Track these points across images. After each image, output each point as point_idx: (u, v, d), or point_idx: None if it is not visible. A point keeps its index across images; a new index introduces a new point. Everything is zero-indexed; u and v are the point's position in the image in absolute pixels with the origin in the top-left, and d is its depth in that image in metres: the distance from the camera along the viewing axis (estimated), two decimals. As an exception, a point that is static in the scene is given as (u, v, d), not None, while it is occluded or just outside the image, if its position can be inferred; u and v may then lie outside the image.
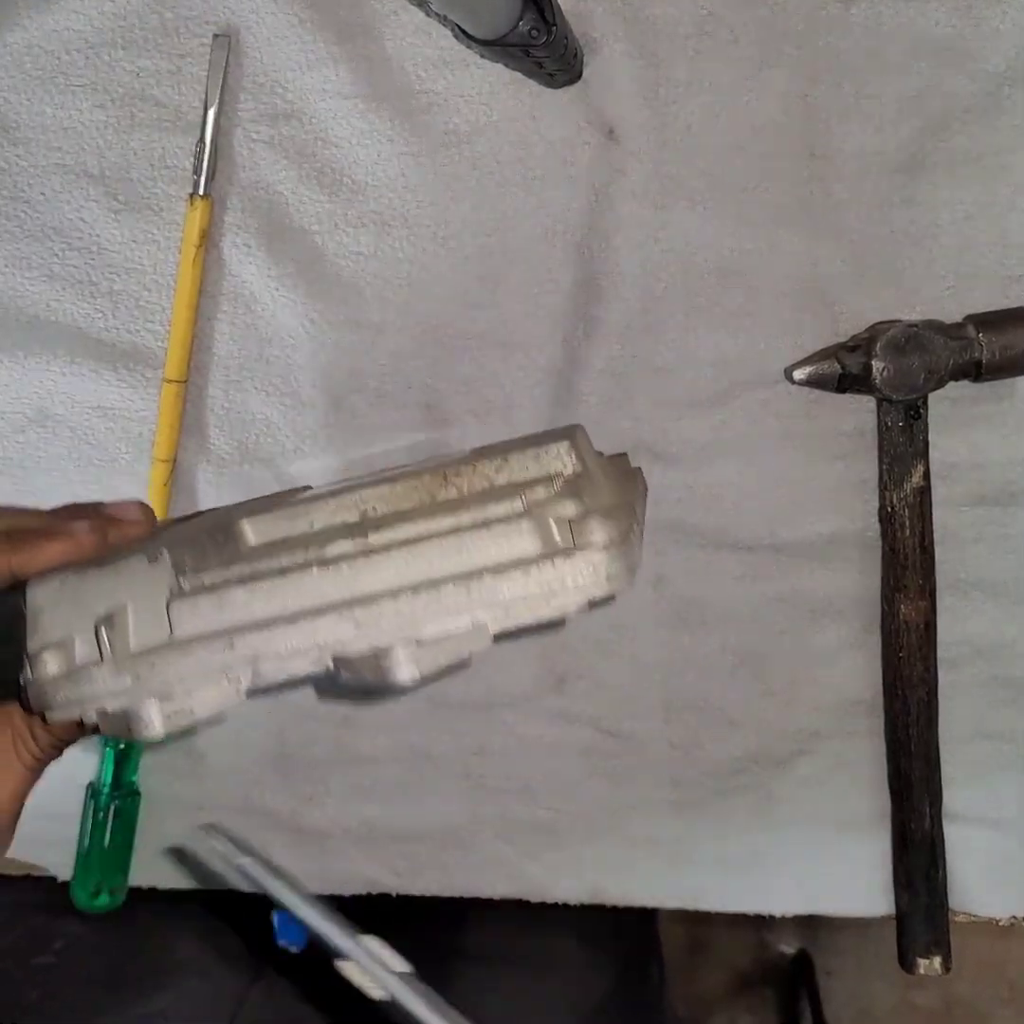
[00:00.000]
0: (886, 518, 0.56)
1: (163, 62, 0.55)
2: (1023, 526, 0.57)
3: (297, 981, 0.66)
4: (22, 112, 0.56)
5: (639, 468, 0.52)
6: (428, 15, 0.53)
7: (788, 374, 0.55)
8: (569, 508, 0.36)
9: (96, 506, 0.41)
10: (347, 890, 0.67)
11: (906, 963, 0.60)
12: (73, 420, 0.59)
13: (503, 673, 0.61)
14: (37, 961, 0.60)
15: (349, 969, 0.31)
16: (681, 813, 0.62)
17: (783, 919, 0.65)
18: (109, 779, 0.62)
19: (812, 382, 0.54)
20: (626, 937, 0.72)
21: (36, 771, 0.40)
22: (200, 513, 0.51)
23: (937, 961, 0.59)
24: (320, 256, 0.56)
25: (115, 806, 0.62)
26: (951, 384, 0.53)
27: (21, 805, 0.40)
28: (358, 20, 0.53)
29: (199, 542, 0.38)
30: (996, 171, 0.52)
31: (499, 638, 0.35)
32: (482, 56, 0.53)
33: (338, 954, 0.32)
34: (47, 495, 0.60)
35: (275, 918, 0.70)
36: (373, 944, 0.31)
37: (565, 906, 0.64)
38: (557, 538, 0.35)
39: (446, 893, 0.65)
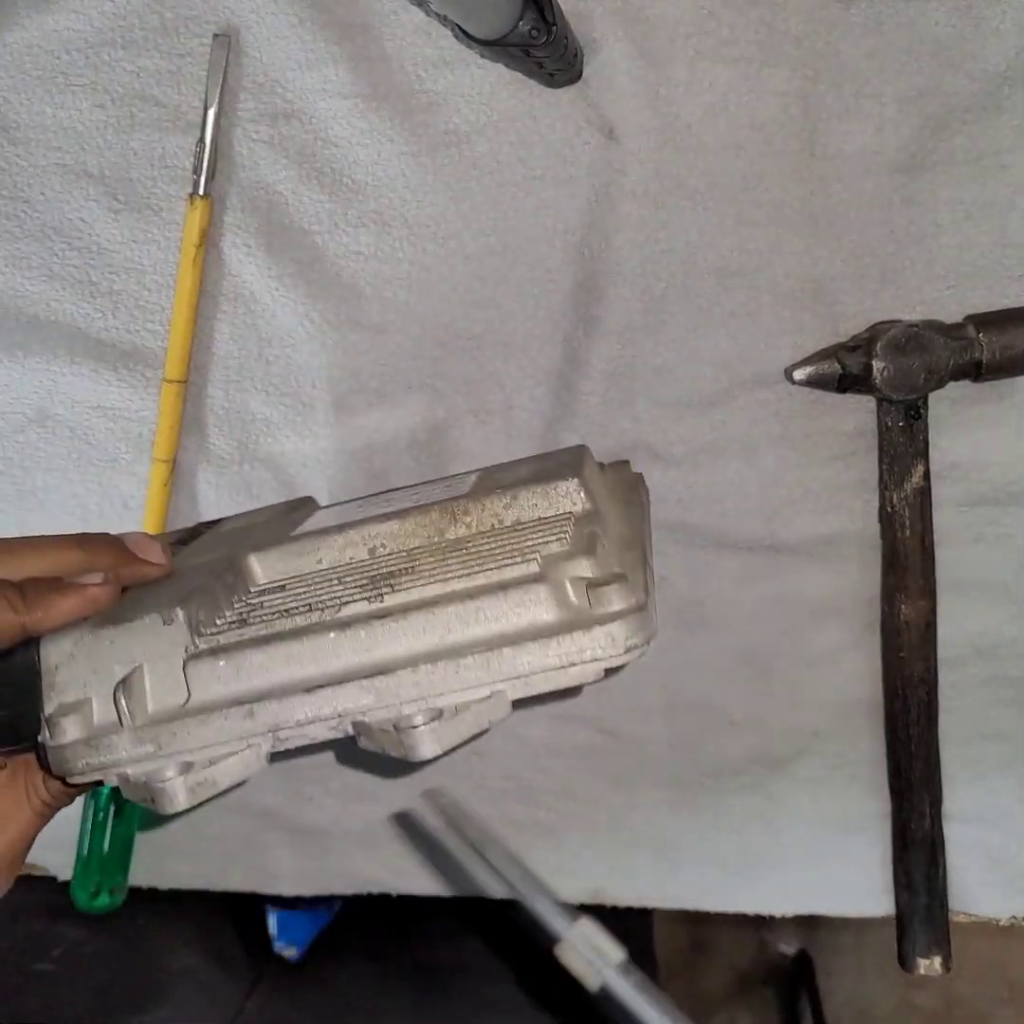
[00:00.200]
0: (886, 518, 0.56)
1: (163, 62, 0.55)
2: (1023, 526, 0.57)
3: (294, 989, 0.66)
4: (22, 112, 0.56)
5: (640, 475, 0.52)
6: (428, 15, 0.53)
7: (788, 374, 0.55)
8: (584, 567, 0.36)
9: (117, 543, 0.41)
10: (347, 890, 0.67)
11: (906, 963, 0.60)
12: (73, 420, 0.59)
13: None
14: (37, 968, 0.60)
15: (567, 955, 0.30)
16: (681, 813, 0.62)
17: (783, 919, 0.65)
18: (109, 779, 0.62)
19: (812, 382, 0.54)
20: (626, 938, 0.72)
21: (46, 816, 0.40)
22: (200, 529, 0.51)
23: (937, 961, 0.59)
24: (320, 256, 0.56)
25: (115, 807, 0.62)
26: (951, 384, 0.53)
27: (27, 847, 0.40)
28: (358, 20, 0.53)
29: (209, 590, 0.38)
30: (996, 171, 0.52)
31: (517, 705, 0.35)
32: (482, 56, 0.53)
33: (555, 938, 0.31)
34: (47, 495, 0.60)
35: (273, 919, 0.70)
36: (590, 928, 0.30)
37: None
38: (573, 600, 0.35)
39: (446, 893, 0.65)
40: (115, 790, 0.61)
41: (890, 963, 0.61)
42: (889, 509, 0.55)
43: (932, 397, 0.54)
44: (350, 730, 0.35)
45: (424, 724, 0.33)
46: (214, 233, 0.56)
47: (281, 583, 0.40)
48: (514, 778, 0.63)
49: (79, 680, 0.36)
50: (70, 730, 0.35)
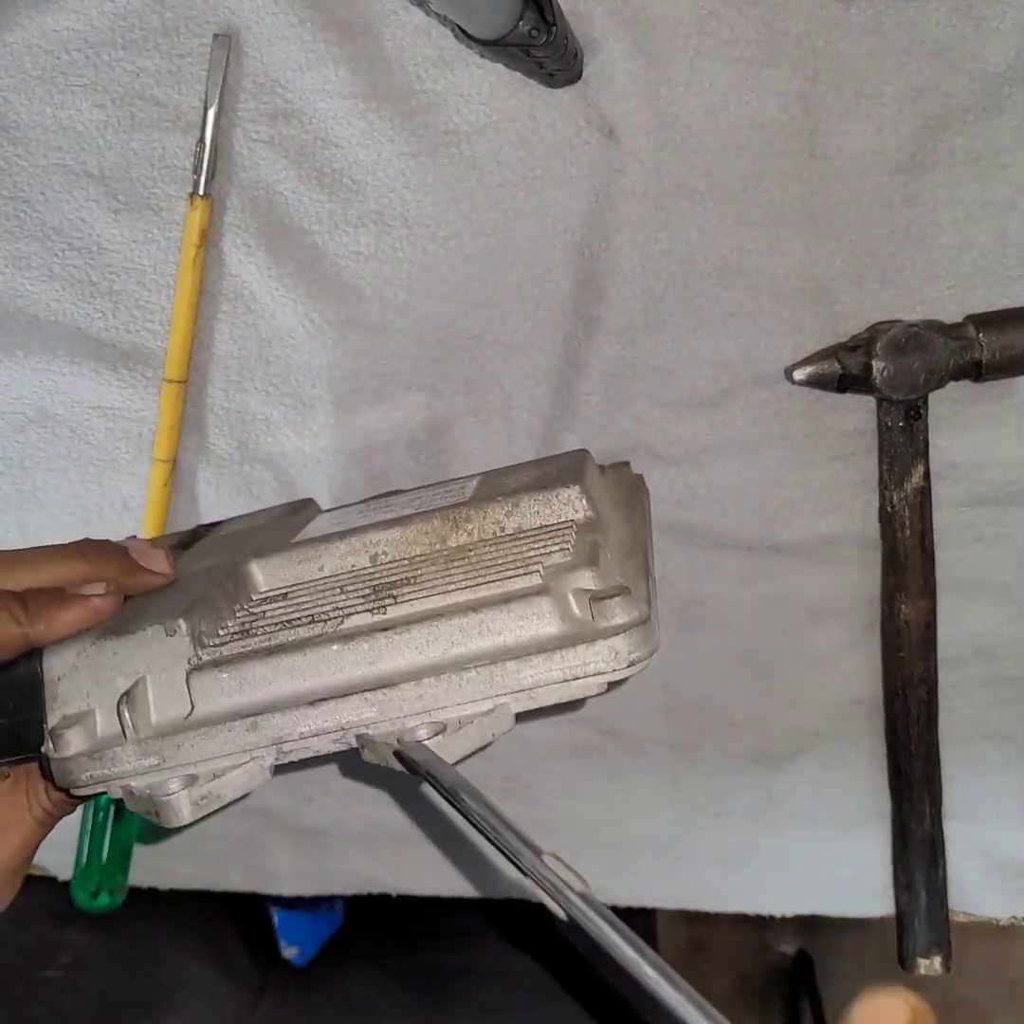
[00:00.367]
0: (886, 518, 0.56)
1: (163, 62, 0.55)
2: (1023, 526, 0.57)
3: (302, 996, 0.66)
4: (22, 112, 0.56)
5: (640, 477, 0.51)
6: (428, 15, 0.53)
7: (788, 374, 0.55)
8: (587, 579, 0.36)
9: (121, 552, 0.40)
10: (347, 890, 0.67)
11: (906, 963, 0.60)
12: (73, 420, 0.59)
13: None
14: (43, 975, 0.60)
15: (535, 886, 0.31)
16: (681, 813, 0.62)
17: (783, 919, 0.65)
18: (109, 779, 0.62)
19: (812, 382, 0.54)
20: None
21: (48, 824, 0.40)
22: (200, 531, 0.51)
23: (937, 961, 0.59)
24: (320, 256, 0.56)
25: (115, 807, 0.62)
26: (951, 384, 0.53)
27: (30, 855, 0.40)
28: (358, 20, 0.53)
29: (211, 599, 0.38)
30: (996, 171, 0.52)
31: (520, 718, 0.35)
32: (482, 56, 0.53)
33: (524, 872, 0.32)
34: (47, 495, 0.60)
35: (276, 918, 0.70)
36: (554, 862, 0.31)
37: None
38: (576, 612, 0.35)
39: (446, 893, 0.65)
40: (116, 794, 0.61)
41: (890, 963, 0.61)
42: (889, 509, 0.55)
43: (932, 397, 0.54)
44: (353, 742, 0.35)
45: (428, 739, 0.33)
46: (214, 233, 0.56)
47: (283, 591, 0.40)
48: (514, 778, 0.63)
49: (82, 691, 0.36)
50: (74, 742, 0.35)
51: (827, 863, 0.62)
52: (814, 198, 0.53)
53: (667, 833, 0.63)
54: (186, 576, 0.42)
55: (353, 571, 0.40)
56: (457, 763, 0.34)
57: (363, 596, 0.38)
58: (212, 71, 0.54)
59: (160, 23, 0.54)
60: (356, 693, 0.34)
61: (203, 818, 0.35)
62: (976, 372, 0.52)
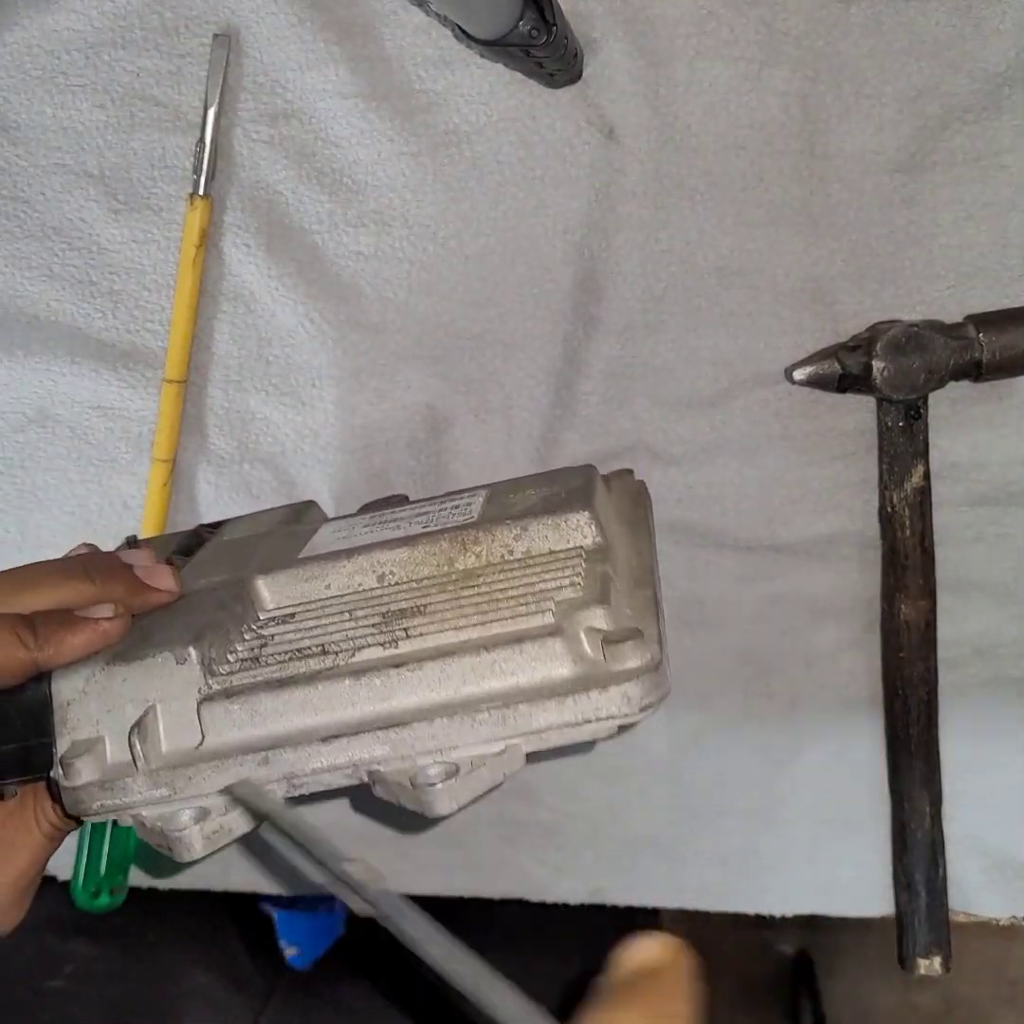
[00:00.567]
0: (886, 518, 0.56)
1: (163, 62, 0.55)
2: (1023, 526, 0.57)
3: (306, 1006, 0.66)
4: (22, 112, 0.56)
5: (643, 484, 0.51)
6: (428, 15, 0.53)
7: (788, 374, 0.55)
8: (599, 617, 0.36)
9: (125, 571, 0.40)
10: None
11: (906, 963, 0.60)
12: (73, 420, 0.59)
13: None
14: (48, 985, 0.60)
15: (347, 886, 0.32)
16: (681, 813, 0.62)
17: (783, 919, 0.65)
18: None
19: (812, 382, 0.54)
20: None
21: (56, 840, 0.40)
22: (201, 532, 0.51)
23: (937, 961, 0.59)
24: (320, 256, 0.56)
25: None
26: (951, 384, 0.53)
27: (39, 872, 0.40)
28: (358, 20, 0.53)
29: (220, 624, 0.38)
30: (996, 171, 0.52)
31: (531, 758, 0.35)
32: (482, 56, 0.53)
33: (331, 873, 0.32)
34: (47, 495, 0.60)
35: (276, 918, 0.70)
36: (358, 866, 0.31)
37: (565, 906, 0.64)
38: (589, 653, 0.35)
39: (446, 893, 0.65)
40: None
41: (890, 963, 0.61)
42: (889, 509, 0.55)
43: (932, 397, 0.54)
44: (365, 778, 0.35)
45: (441, 782, 0.33)
46: (214, 233, 0.56)
47: (290, 610, 0.40)
48: (514, 778, 0.63)
49: (91, 717, 0.36)
50: (84, 772, 0.35)
51: (827, 863, 0.62)
52: (814, 198, 0.53)
53: (667, 833, 0.63)
54: (192, 594, 0.41)
55: (360, 591, 0.40)
56: (468, 804, 0.34)
57: (373, 625, 0.38)
58: (212, 71, 0.54)
59: (160, 23, 0.54)
60: (368, 730, 0.34)
61: (215, 852, 0.35)
62: (976, 372, 0.52)
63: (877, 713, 0.59)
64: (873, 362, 0.52)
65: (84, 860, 0.62)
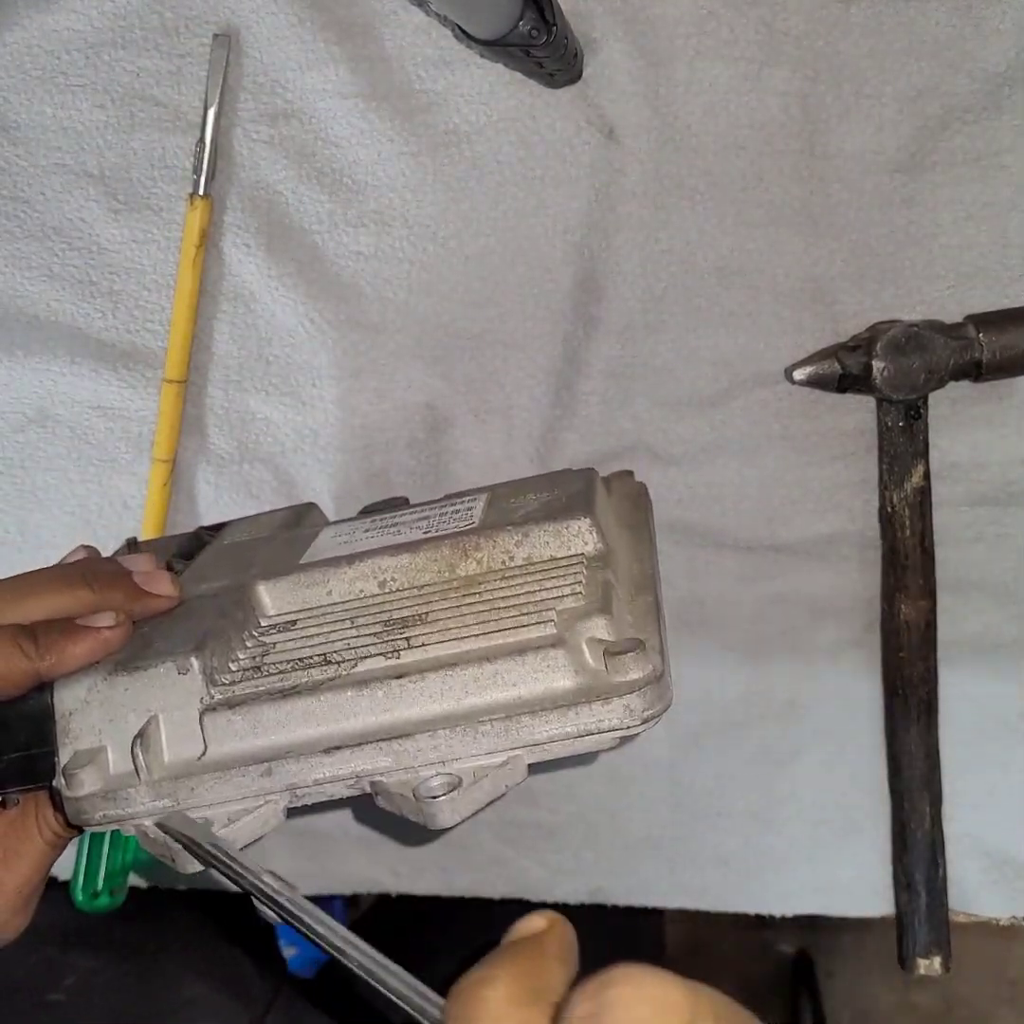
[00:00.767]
0: (886, 518, 0.56)
1: (163, 62, 0.55)
2: (1023, 526, 0.57)
3: (307, 1015, 0.66)
4: (22, 112, 0.56)
5: (644, 486, 0.51)
6: (428, 15, 0.53)
7: (788, 374, 0.55)
8: (601, 628, 0.36)
9: (125, 577, 0.40)
10: (347, 890, 0.67)
11: (906, 963, 0.60)
12: (73, 420, 0.59)
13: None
14: (49, 998, 0.60)
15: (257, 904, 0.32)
16: (681, 813, 0.62)
17: (783, 919, 0.65)
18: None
19: (812, 382, 0.54)
20: (635, 937, 0.72)
21: (59, 847, 0.40)
22: (202, 534, 0.51)
23: (937, 961, 0.59)
24: (320, 256, 0.56)
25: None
26: (951, 384, 0.53)
27: (42, 880, 0.40)
28: (358, 20, 0.53)
29: (222, 633, 0.38)
30: (996, 171, 0.52)
31: (533, 769, 0.35)
32: (482, 56, 0.53)
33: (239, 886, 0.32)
34: (47, 495, 0.60)
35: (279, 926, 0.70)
36: (267, 877, 0.32)
37: (565, 906, 0.64)
38: (591, 663, 0.35)
39: (446, 893, 0.65)
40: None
41: (890, 963, 0.61)
42: (889, 509, 0.55)
43: (932, 397, 0.54)
44: (368, 789, 0.35)
45: (444, 795, 0.33)
46: (214, 233, 0.56)
47: (291, 617, 0.40)
48: (514, 778, 0.63)
49: (94, 727, 0.36)
50: (87, 782, 0.35)
51: (827, 863, 0.62)
52: (814, 198, 0.53)
53: (667, 833, 0.63)
54: (193, 599, 0.41)
55: (362, 598, 0.40)
56: (470, 816, 0.34)
57: (375, 634, 0.38)
58: (212, 71, 0.54)
59: (160, 23, 0.54)
60: (371, 742, 0.34)
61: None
62: (976, 372, 0.52)
63: (877, 712, 0.59)
64: (873, 362, 0.52)
65: (84, 861, 0.62)
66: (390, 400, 0.58)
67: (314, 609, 0.40)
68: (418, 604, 0.39)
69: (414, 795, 0.34)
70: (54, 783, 0.36)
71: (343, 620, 0.39)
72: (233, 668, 0.37)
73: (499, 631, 0.36)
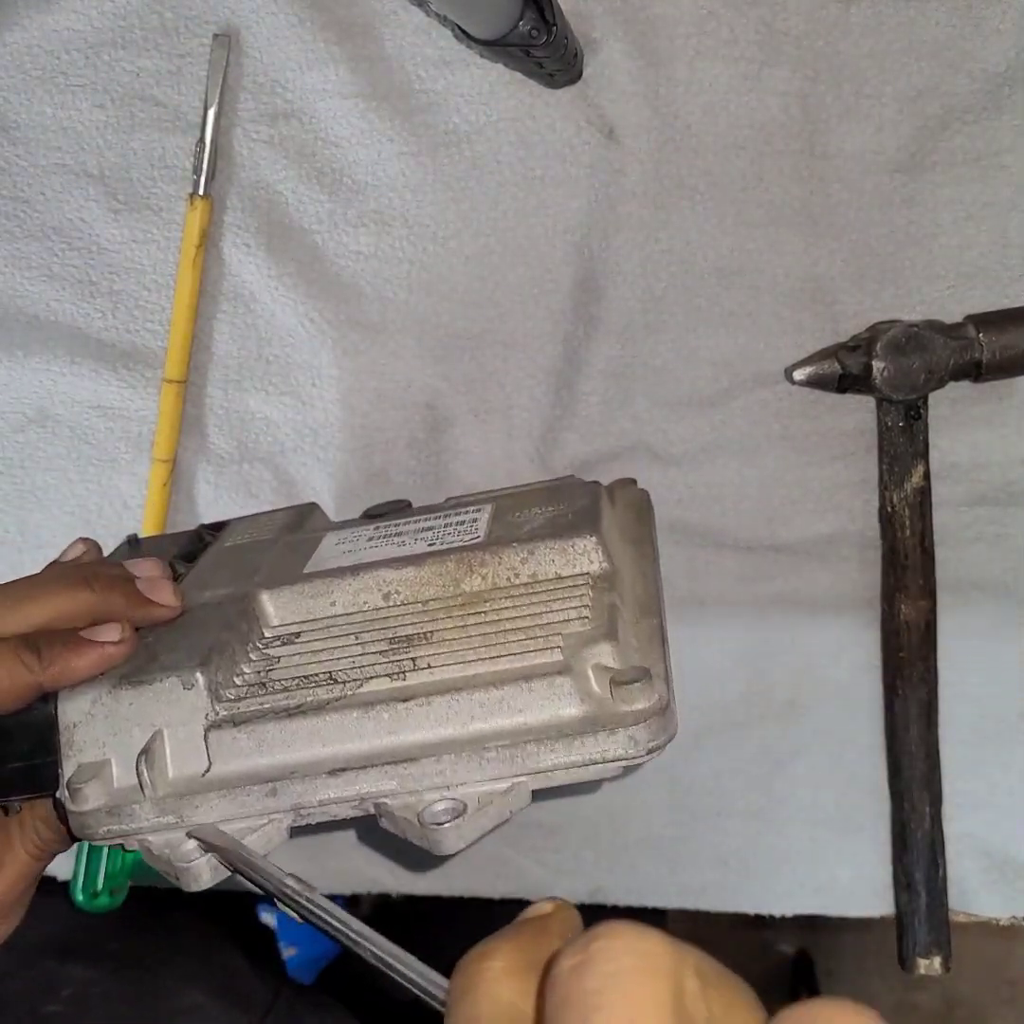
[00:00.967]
0: (886, 518, 0.56)
1: (163, 62, 0.55)
2: (1023, 526, 0.57)
3: (307, 1017, 0.66)
4: (22, 112, 0.56)
5: (646, 494, 0.51)
6: (428, 15, 0.53)
7: (788, 374, 0.55)
8: (607, 654, 0.36)
9: (127, 584, 0.40)
10: (347, 890, 0.67)
11: (906, 963, 0.60)
12: (73, 420, 0.59)
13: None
14: (46, 1010, 0.60)
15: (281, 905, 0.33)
16: (681, 813, 0.62)
17: (783, 919, 0.65)
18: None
19: (812, 382, 0.54)
20: None
21: (43, 860, 0.39)
22: (202, 533, 0.51)
23: (937, 961, 0.59)
24: (320, 256, 0.56)
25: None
26: (951, 384, 0.53)
27: (26, 888, 0.40)
28: (358, 20, 0.53)
29: (226, 646, 0.38)
30: (996, 171, 0.52)
31: (536, 796, 0.35)
32: (482, 56, 0.53)
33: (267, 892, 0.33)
34: (47, 495, 0.60)
35: (276, 917, 0.70)
36: (295, 882, 0.32)
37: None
38: (597, 690, 0.35)
39: (446, 893, 0.65)
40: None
41: (890, 963, 0.61)
42: (889, 509, 0.55)
43: (932, 397, 0.54)
44: (372, 810, 0.35)
45: (448, 822, 0.33)
46: (214, 233, 0.56)
47: (296, 629, 0.40)
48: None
49: (98, 740, 0.36)
50: (92, 797, 0.35)
51: (827, 863, 0.62)
52: (814, 198, 0.53)
53: (667, 833, 0.63)
54: (197, 608, 0.41)
55: (365, 610, 0.40)
56: (475, 842, 0.34)
57: (380, 652, 0.38)
58: (212, 71, 0.54)
59: (160, 23, 0.54)
60: (376, 764, 0.34)
61: (221, 881, 0.35)
62: (976, 372, 0.52)
63: (877, 713, 0.59)
64: (873, 362, 0.52)
65: (84, 861, 0.62)
66: (390, 400, 0.58)
67: (318, 620, 0.40)
68: (423, 621, 0.39)
69: (419, 820, 0.34)
70: (58, 795, 0.36)
71: (348, 634, 0.39)
72: (238, 683, 0.37)
73: (505, 655, 0.36)
